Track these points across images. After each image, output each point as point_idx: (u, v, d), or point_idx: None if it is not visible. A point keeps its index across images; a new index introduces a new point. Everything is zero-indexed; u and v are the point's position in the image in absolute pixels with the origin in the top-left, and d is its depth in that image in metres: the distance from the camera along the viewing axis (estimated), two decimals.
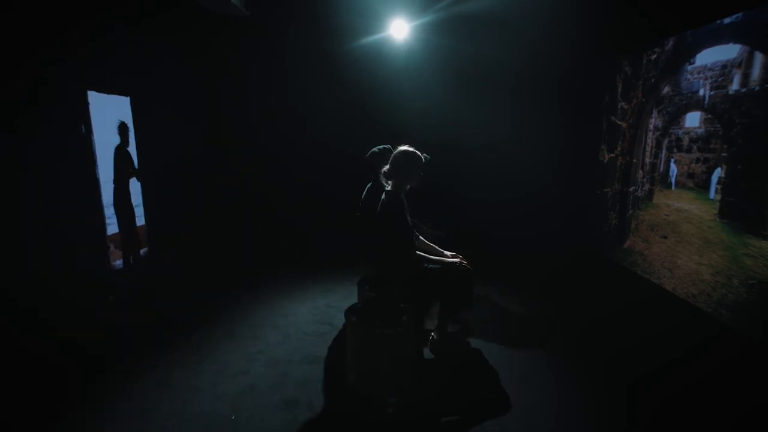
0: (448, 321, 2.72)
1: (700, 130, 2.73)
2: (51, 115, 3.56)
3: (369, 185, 3.04)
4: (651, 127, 3.15)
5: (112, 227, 4.56)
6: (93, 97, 4.06)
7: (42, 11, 3.37)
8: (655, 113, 3.11)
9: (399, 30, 4.57)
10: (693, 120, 2.79)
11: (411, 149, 2.55)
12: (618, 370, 2.50)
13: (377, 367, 2.20)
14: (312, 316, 3.28)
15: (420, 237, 2.77)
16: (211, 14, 4.25)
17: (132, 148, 4.53)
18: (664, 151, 3.05)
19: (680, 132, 2.88)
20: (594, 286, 3.73)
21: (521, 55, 4.42)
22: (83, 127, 3.93)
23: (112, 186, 4.36)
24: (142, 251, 4.97)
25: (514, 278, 4.05)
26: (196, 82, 5.16)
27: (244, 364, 2.59)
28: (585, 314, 3.28)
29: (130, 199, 4.47)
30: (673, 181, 2.98)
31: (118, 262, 4.68)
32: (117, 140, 4.35)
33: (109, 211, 4.33)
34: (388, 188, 2.55)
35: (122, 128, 4.35)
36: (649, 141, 3.18)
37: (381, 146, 3.04)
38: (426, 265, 2.58)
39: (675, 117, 2.92)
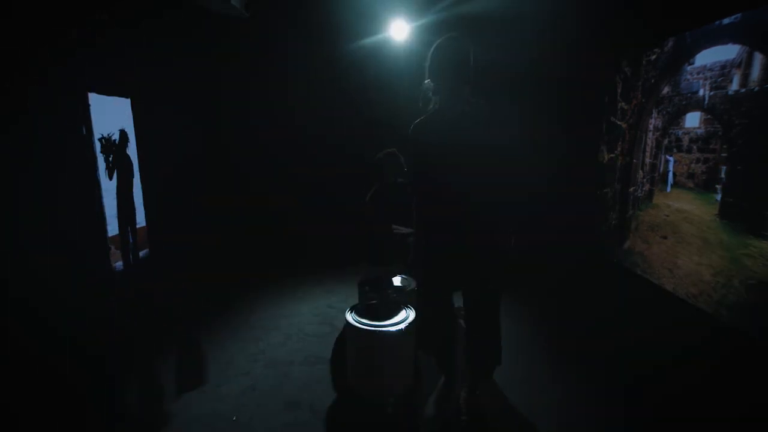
0: None
1: (699, 131, 2.73)
2: (52, 116, 3.57)
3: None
4: (651, 127, 3.16)
5: (112, 229, 4.56)
6: (93, 98, 4.07)
7: (41, 12, 3.38)
8: (654, 114, 3.12)
9: (399, 31, 4.57)
10: (693, 120, 2.80)
11: None
12: (619, 369, 2.50)
13: (377, 367, 2.20)
14: (313, 317, 3.29)
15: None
16: (212, 15, 4.25)
17: (133, 150, 4.53)
18: (663, 152, 3.06)
19: (680, 132, 2.89)
20: (594, 286, 3.74)
21: (521, 56, 4.43)
22: (84, 129, 3.94)
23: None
24: (142, 253, 4.97)
25: (514, 278, 4.04)
26: (197, 83, 5.17)
27: (246, 365, 2.60)
28: (586, 314, 3.28)
29: (132, 197, 4.50)
30: (670, 181, 2.98)
31: (119, 264, 4.68)
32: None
33: (110, 213, 4.33)
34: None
35: (123, 134, 4.46)
36: (649, 141, 3.19)
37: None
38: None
39: (675, 117, 2.93)
